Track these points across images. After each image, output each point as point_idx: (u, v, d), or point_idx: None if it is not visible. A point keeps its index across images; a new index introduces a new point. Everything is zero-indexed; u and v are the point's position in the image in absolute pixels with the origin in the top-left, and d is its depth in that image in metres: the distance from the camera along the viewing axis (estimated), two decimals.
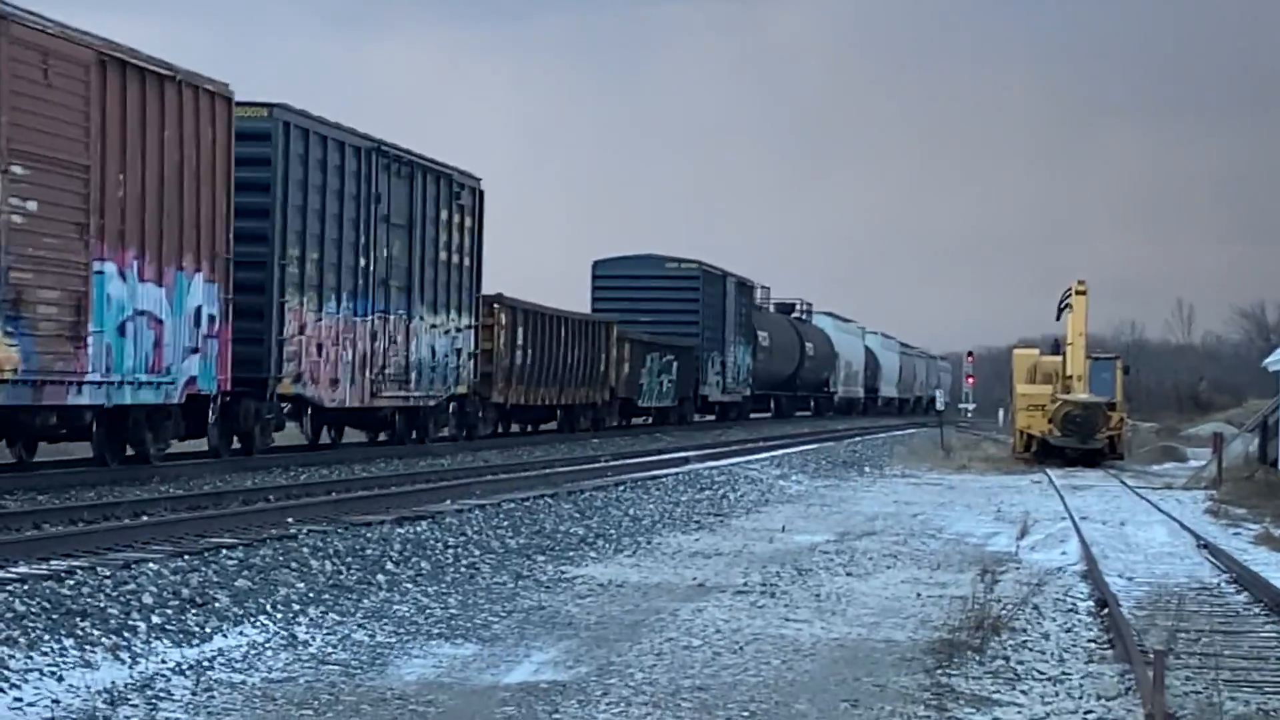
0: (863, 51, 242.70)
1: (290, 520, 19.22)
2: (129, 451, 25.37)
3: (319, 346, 30.14)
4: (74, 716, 9.94)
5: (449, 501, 23.06)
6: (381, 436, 36.27)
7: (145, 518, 19.20)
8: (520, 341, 41.82)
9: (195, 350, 25.68)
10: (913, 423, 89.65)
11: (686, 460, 37.13)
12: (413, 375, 34.44)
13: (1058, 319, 49.38)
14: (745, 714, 10.66)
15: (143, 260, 24.11)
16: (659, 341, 56.13)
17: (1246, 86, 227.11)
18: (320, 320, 30.18)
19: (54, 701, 10.22)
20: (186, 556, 15.50)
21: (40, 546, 15.68)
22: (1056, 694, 11.65)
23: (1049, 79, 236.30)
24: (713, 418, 67.60)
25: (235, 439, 28.89)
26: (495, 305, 40.27)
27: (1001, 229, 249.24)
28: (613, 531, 21.68)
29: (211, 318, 26.12)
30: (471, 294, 37.85)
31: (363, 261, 31.91)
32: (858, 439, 59.57)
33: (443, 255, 36.00)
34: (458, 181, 36.72)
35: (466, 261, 37.46)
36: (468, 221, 37.46)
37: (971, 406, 74.05)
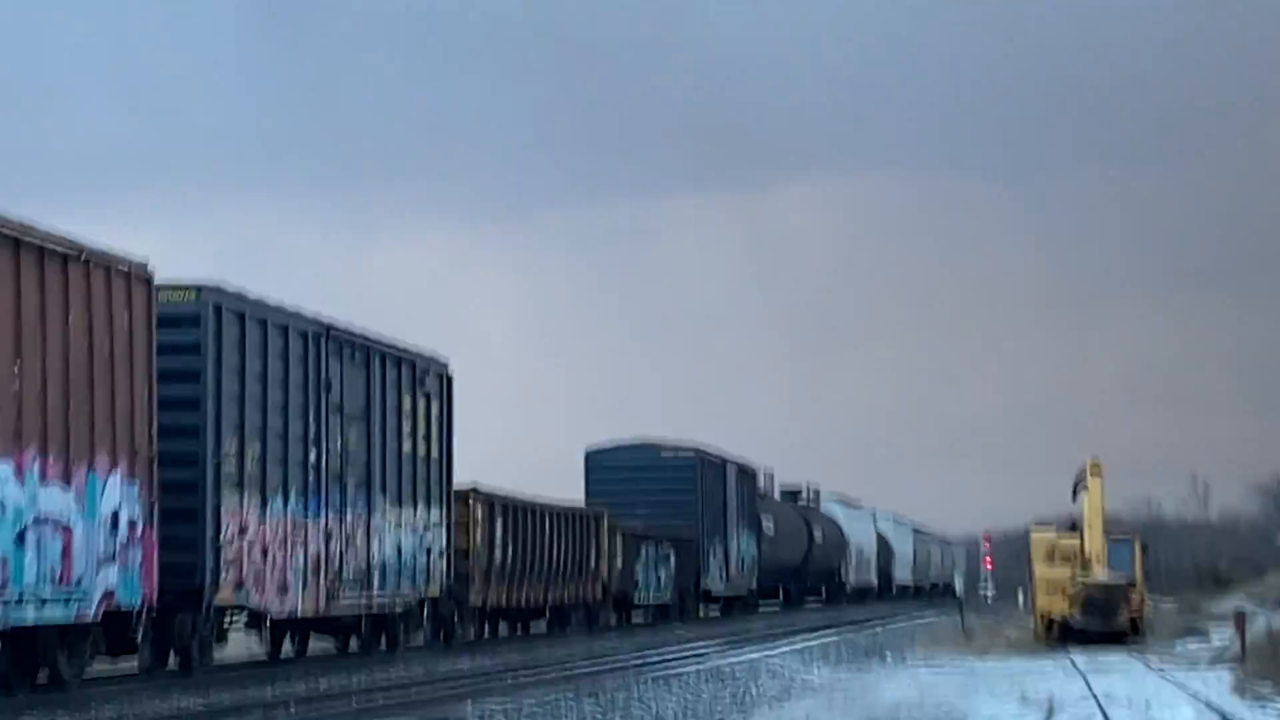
0: (867, 238, 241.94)
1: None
2: (42, 676, 22.66)
3: (264, 549, 27.45)
4: None
5: (469, 704, 22.71)
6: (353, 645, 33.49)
7: None
8: (500, 537, 39.08)
9: (113, 559, 23.04)
10: (931, 608, 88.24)
11: (704, 654, 35.66)
12: (375, 577, 31.70)
13: (1073, 499, 48.20)
14: None
15: (45, 459, 21.57)
16: (655, 533, 53.34)
17: (1257, 259, 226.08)
18: (264, 520, 27.52)
19: None
20: None
21: None
22: None
23: (1055, 256, 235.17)
24: (717, 611, 64.60)
25: (172, 656, 26.15)
26: (470, 498, 37.59)
27: (1013, 407, 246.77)
28: None
29: (132, 521, 23.53)
30: (442, 487, 35.19)
31: (313, 455, 29.33)
32: (877, 626, 58.22)
33: (406, 446, 33.41)
34: (421, 366, 34.23)
35: (435, 452, 34.86)
36: (434, 409, 34.92)
37: (991, 590, 72.68)
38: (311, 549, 29.10)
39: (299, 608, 28.71)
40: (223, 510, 26.23)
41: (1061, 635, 45.39)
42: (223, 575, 26.17)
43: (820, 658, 37.70)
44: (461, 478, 40.96)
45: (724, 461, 62.73)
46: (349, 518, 30.61)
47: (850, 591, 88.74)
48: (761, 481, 72.70)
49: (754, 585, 67.28)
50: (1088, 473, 46.25)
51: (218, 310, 26.39)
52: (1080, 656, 39.08)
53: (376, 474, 31.92)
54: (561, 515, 43.62)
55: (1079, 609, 44.98)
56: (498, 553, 38.90)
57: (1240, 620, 40.15)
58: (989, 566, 75.42)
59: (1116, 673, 33.89)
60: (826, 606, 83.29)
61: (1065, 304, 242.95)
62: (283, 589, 28.05)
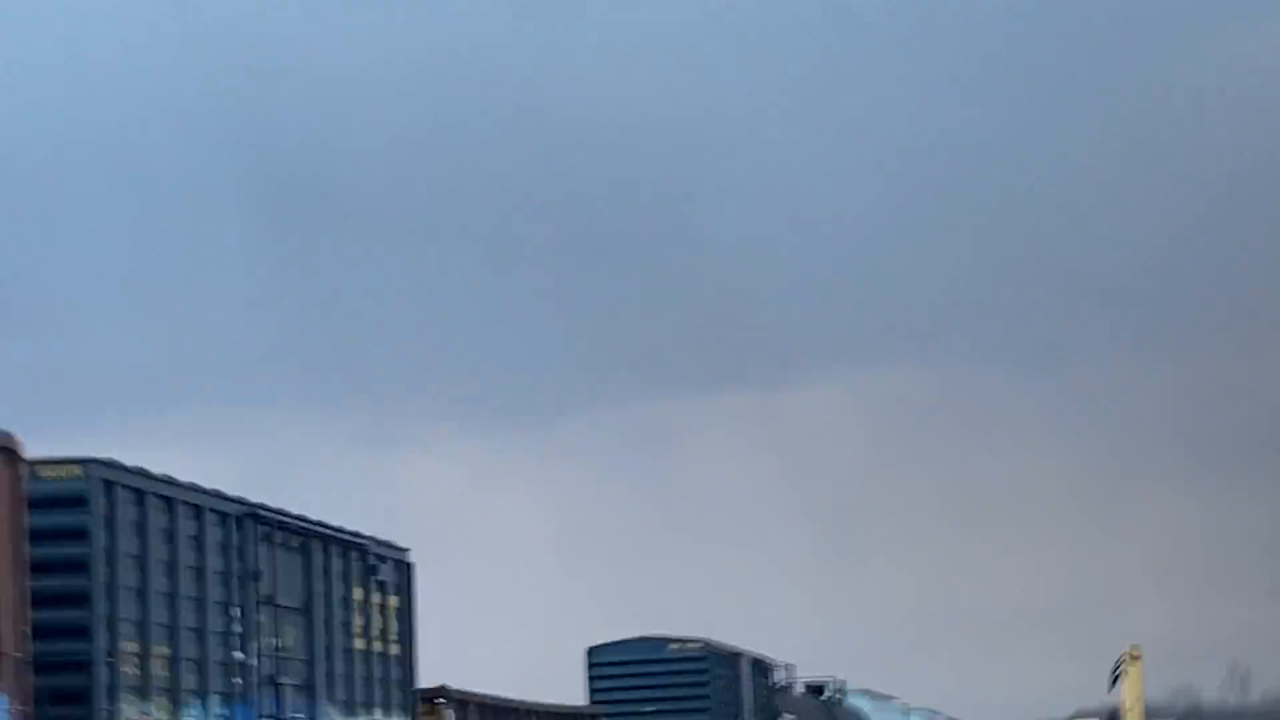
0: (888, 431, 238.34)
1: None
2: None
3: None
4: None
5: None
6: None
7: None
8: None
9: None
10: None
11: None
12: None
13: (1111, 688, 48.52)
14: None
15: None
16: None
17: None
18: None
19: None
20: None
21: None
22: None
23: (1081, 443, 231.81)
24: None
25: None
26: (438, 701, 33.63)
27: (1045, 597, 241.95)
28: None
29: None
30: (404, 689, 31.32)
31: (239, 655, 25.57)
32: None
33: (358, 643, 29.63)
34: (374, 554, 30.53)
35: (394, 650, 31.07)
36: (392, 601, 31.18)
37: None
38: None
39: None
40: None
41: None
42: None
43: None
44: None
45: (737, 655, 58.54)
46: None
47: None
48: (782, 676, 68.39)
49: None
50: (1126, 661, 46.71)
51: (109, 488, 22.75)
52: None
53: (321, 676, 28.11)
54: (548, 715, 39.58)
55: None
56: None
57: None
58: None
59: None
60: None
61: (1093, 491, 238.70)
62: None
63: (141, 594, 23.27)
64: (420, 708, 32.25)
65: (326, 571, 28.67)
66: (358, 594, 29.77)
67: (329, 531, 28.89)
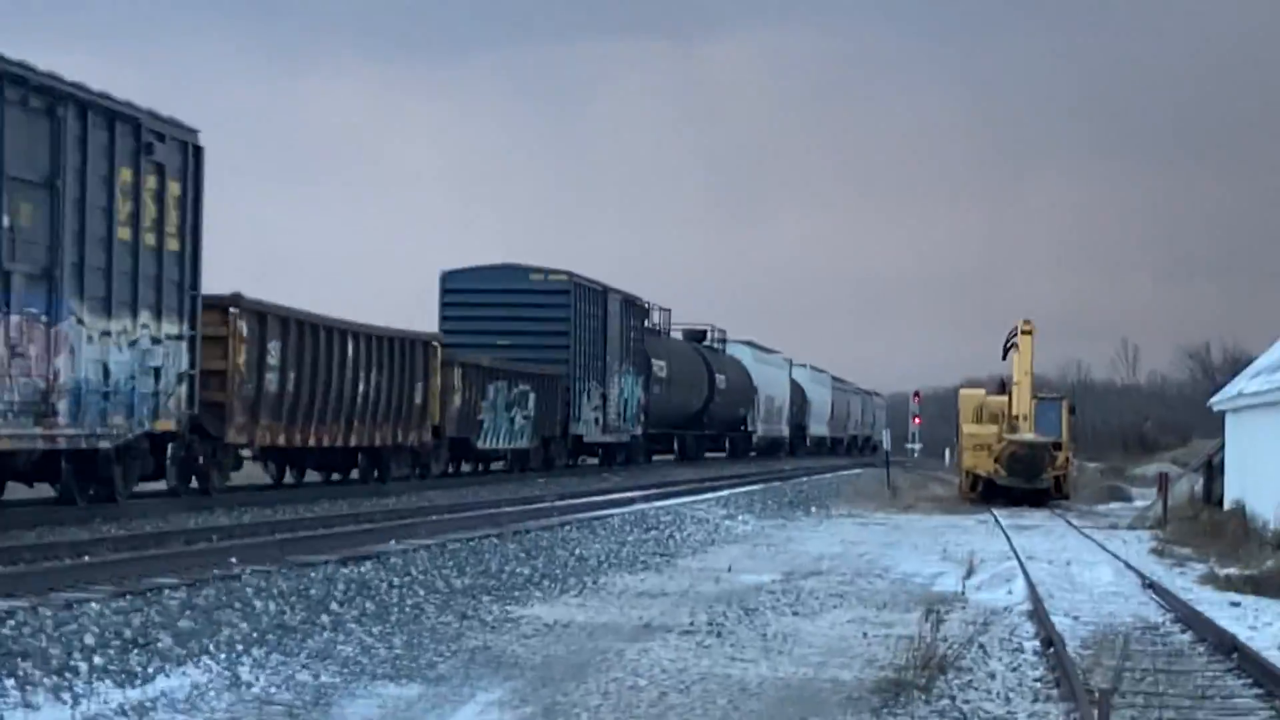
0: (796, 91, 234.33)
1: (234, 560, 18.76)
2: None
3: None
4: None
5: (394, 541, 22.83)
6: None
7: (86, 558, 18.81)
8: (275, 360, 30.77)
9: None
10: (856, 463, 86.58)
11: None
12: (62, 404, 23.50)
13: (1004, 359, 48.96)
14: None
15: None
16: (510, 369, 45.19)
17: (1181, 128, 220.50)
18: None
19: None
20: (129, 596, 15.19)
21: None
22: None
23: (983, 120, 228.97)
24: (595, 461, 56.77)
25: None
26: (231, 310, 29.29)
27: (943, 269, 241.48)
28: (558, 571, 21.11)
29: None
30: (182, 291, 26.92)
31: None
32: (803, 479, 57.55)
33: (123, 233, 25.11)
34: (150, 129, 25.82)
35: (172, 245, 26.58)
36: (173, 188, 26.60)
37: (918, 446, 72.75)
38: None
39: None
40: None
41: (986, 493, 45.68)
42: None
43: (748, 507, 37.47)
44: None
45: (605, 289, 54.57)
46: (15, 323, 22.36)
47: (758, 443, 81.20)
48: (656, 319, 64.92)
49: (639, 433, 59.37)
50: (1019, 332, 46.70)
51: None
52: (1003, 514, 40.05)
53: (68, 266, 23.60)
54: (371, 339, 35.29)
55: (1004, 466, 45.32)
56: (271, 380, 30.60)
57: (1163, 483, 41.15)
58: (917, 424, 74.50)
59: (1038, 531, 34.63)
60: (731, 460, 75.94)
61: (995, 166, 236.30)
62: None
63: None
64: (208, 316, 28.01)
65: (83, 143, 24.00)
66: (125, 175, 25.17)
67: (88, 96, 24.15)
